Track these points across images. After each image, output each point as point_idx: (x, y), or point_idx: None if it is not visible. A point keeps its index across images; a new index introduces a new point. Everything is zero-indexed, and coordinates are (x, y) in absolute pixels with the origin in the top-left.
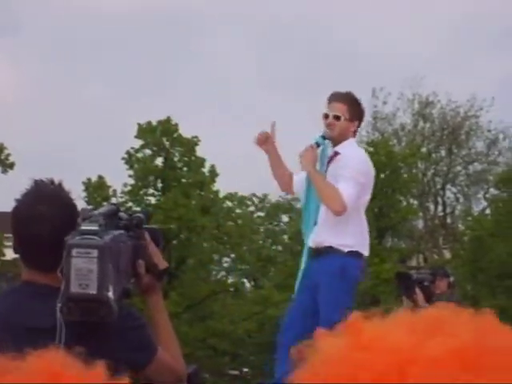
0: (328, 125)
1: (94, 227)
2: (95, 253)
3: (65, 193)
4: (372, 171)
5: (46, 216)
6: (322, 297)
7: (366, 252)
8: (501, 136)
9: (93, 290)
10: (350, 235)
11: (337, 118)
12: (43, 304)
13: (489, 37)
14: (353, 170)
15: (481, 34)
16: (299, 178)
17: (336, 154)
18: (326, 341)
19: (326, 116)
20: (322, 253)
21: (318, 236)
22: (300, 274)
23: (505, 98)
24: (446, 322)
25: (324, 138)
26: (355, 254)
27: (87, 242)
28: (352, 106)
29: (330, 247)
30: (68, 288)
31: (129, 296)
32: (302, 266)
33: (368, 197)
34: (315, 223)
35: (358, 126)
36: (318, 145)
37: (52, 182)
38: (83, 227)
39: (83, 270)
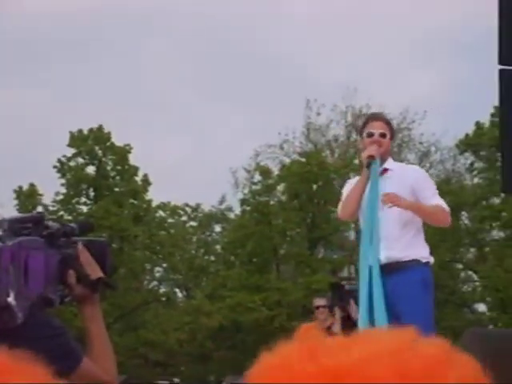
0: (376, 142)
1: None
2: None
3: None
4: None
5: None
6: (408, 309)
7: (432, 261)
8: (432, 149)
9: None
10: (423, 246)
11: (383, 135)
12: None
13: (423, 51)
14: (431, 183)
15: (415, 48)
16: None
17: (386, 170)
18: (278, 351)
19: (371, 134)
20: (403, 267)
21: (393, 251)
22: (364, 294)
23: (437, 111)
24: (397, 344)
25: (372, 157)
26: (430, 265)
27: None
28: (390, 125)
29: (411, 260)
30: None
31: (51, 305)
32: (365, 286)
33: None
34: (371, 241)
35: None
36: (369, 164)
37: None
38: None
39: None
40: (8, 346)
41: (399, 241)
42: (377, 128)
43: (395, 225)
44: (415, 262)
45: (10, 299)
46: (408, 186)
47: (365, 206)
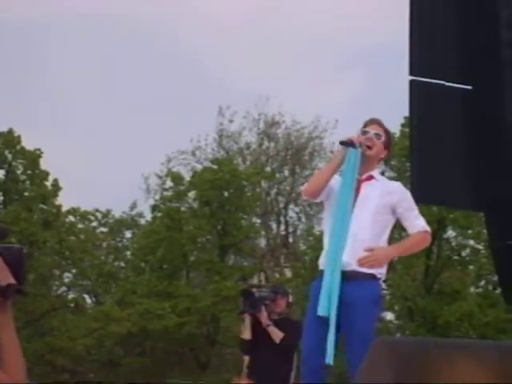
0: (368, 139)
1: None
2: None
3: None
4: None
5: None
6: (359, 322)
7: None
8: None
9: None
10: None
11: (377, 135)
12: None
13: (335, 59)
14: (413, 203)
15: (327, 56)
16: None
17: (371, 177)
18: None
19: (365, 132)
20: (359, 278)
21: (355, 258)
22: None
23: (346, 120)
24: None
25: (351, 143)
26: (382, 281)
27: None
28: (388, 134)
29: (368, 274)
30: None
31: None
32: (325, 286)
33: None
34: (340, 245)
35: (385, 157)
36: (353, 145)
37: None
38: None
39: None
40: None
41: (359, 249)
42: (372, 129)
43: (366, 228)
44: (371, 277)
45: None
46: (389, 202)
47: (337, 195)
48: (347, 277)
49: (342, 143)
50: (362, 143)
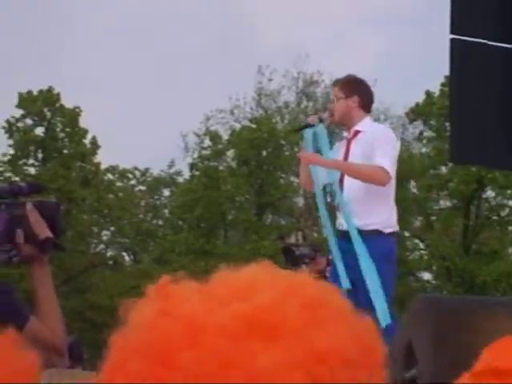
0: (328, 111)
1: None
2: None
3: None
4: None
5: None
6: (370, 281)
7: (397, 228)
8: (382, 117)
9: None
10: (388, 214)
11: (335, 99)
12: None
13: (374, 18)
14: (385, 143)
15: (366, 15)
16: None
17: (357, 132)
18: (139, 306)
19: (326, 109)
20: (364, 236)
21: (357, 219)
22: (340, 265)
23: (386, 79)
24: (253, 286)
25: (321, 120)
26: (395, 234)
27: None
28: (344, 84)
29: (372, 230)
30: None
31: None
32: (338, 255)
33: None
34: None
35: (363, 101)
36: (308, 126)
37: None
38: None
39: None
40: None
41: (361, 206)
42: (333, 95)
43: (360, 187)
44: (376, 233)
45: None
46: (370, 148)
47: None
48: (350, 238)
49: (293, 131)
50: (321, 118)
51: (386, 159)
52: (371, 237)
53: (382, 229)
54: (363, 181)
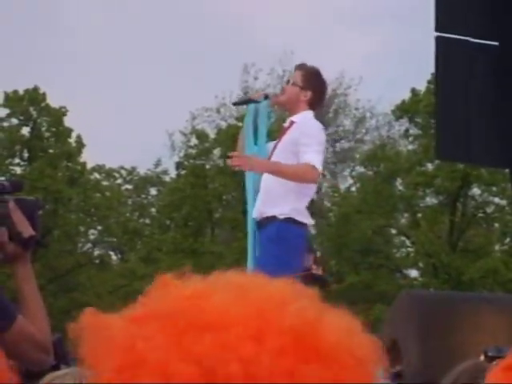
0: (281, 89)
1: None
2: None
3: None
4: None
5: None
6: (263, 265)
7: (306, 220)
8: (368, 115)
9: None
10: (288, 203)
11: (290, 82)
12: None
13: (359, 15)
14: (313, 139)
15: (351, 13)
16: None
17: (292, 123)
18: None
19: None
20: (263, 223)
21: (260, 207)
22: (250, 248)
23: (371, 77)
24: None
25: (266, 97)
26: (292, 221)
27: None
28: (307, 74)
29: (270, 217)
30: None
31: None
32: (250, 238)
33: None
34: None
35: (314, 99)
36: (252, 101)
37: None
38: None
39: None
40: None
41: (267, 194)
42: (291, 77)
43: (267, 177)
44: (271, 219)
45: None
46: (295, 140)
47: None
48: (258, 226)
49: (234, 104)
50: (267, 95)
51: (313, 154)
52: (266, 223)
53: (277, 215)
54: (297, 181)
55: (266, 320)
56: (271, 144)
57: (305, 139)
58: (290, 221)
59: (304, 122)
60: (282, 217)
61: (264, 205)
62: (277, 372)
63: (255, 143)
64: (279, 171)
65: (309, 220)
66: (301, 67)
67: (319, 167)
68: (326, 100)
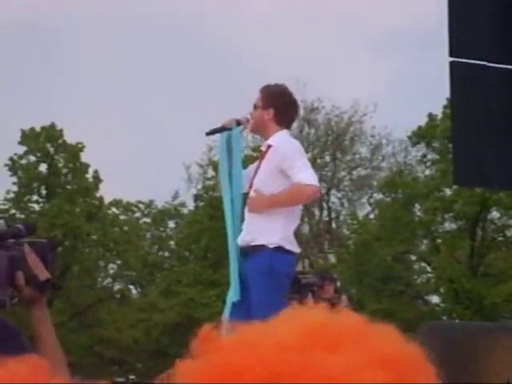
0: (250, 115)
1: None
2: None
3: None
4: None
5: None
6: (253, 295)
7: (294, 248)
8: (384, 141)
9: None
10: (274, 230)
11: (254, 107)
12: None
13: (373, 43)
14: (294, 157)
15: (365, 40)
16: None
17: (269, 147)
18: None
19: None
20: (251, 252)
21: (246, 234)
22: (235, 275)
23: (386, 103)
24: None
25: (238, 124)
26: (283, 250)
27: None
28: (266, 93)
29: (258, 245)
30: None
31: (3, 307)
32: (235, 266)
33: None
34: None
35: (278, 116)
36: (225, 129)
37: None
38: None
39: None
40: None
41: (252, 222)
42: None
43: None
44: (260, 248)
45: None
46: (275, 165)
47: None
48: (244, 254)
49: (207, 134)
50: (239, 122)
51: (308, 173)
52: (254, 252)
53: (266, 244)
54: (299, 204)
55: None
56: (251, 168)
57: (286, 163)
58: (280, 250)
59: (279, 145)
60: (271, 246)
61: (251, 233)
62: None
63: (229, 172)
64: (278, 202)
65: (297, 248)
66: (261, 89)
67: (313, 181)
68: (297, 113)
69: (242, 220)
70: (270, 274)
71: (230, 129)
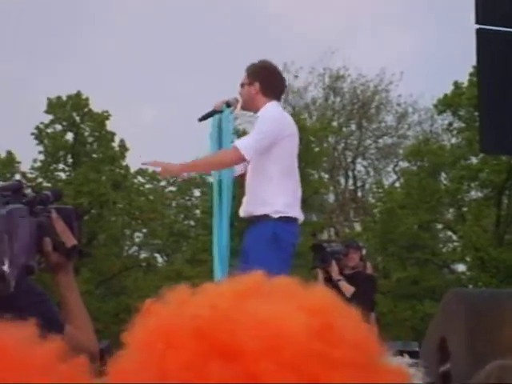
0: (239, 95)
1: None
2: None
3: None
4: (286, 128)
5: None
6: (250, 264)
7: (297, 214)
8: (410, 109)
9: None
10: (278, 199)
11: (241, 85)
12: None
13: (399, 10)
14: (258, 126)
15: (391, 8)
16: None
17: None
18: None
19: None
20: (253, 222)
21: (248, 205)
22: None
23: (412, 72)
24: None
25: (228, 105)
26: (286, 219)
27: None
28: (250, 70)
29: (261, 215)
30: None
31: (32, 273)
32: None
33: (288, 152)
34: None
35: (264, 87)
36: (215, 112)
37: None
38: None
39: None
40: None
41: (253, 193)
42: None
43: (250, 175)
44: (263, 218)
45: (5, 268)
46: None
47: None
48: (245, 224)
49: (199, 120)
50: (228, 103)
51: (245, 139)
52: (258, 222)
53: (269, 213)
54: (218, 168)
55: None
56: None
57: (255, 126)
58: (283, 219)
59: (262, 112)
60: (275, 215)
61: (252, 203)
62: None
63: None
64: (195, 166)
65: (300, 214)
66: (246, 68)
67: (243, 149)
68: (283, 84)
69: (234, 197)
70: (273, 244)
71: (220, 111)
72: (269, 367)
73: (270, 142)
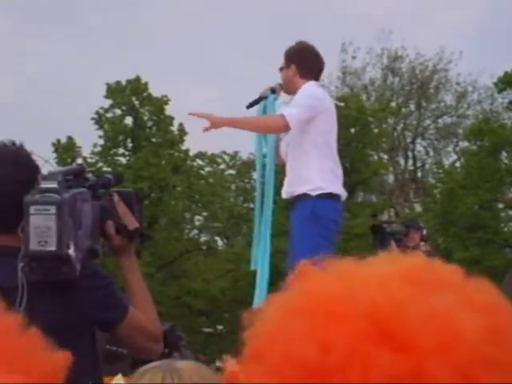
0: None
1: (53, 185)
2: (53, 209)
3: (26, 153)
4: (324, 103)
5: (7, 177)
6: (296, 244)
7: (337, 189)
8: (469, 89)
9: (52, 247)
10: (315, 175)
11: (280, 69)
12: (6, 264)
13: None
14: (298, 100)
15: None
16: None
17: None
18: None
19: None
20: (295, 202)
21: (288, 186)
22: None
23: (472, 51)
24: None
25: (273, 91)
26: (326, 196)
27: (45, 199)
28: (286, 53)
29: (301, 194)
30: (27, 246)
31: (96, 256)
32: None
33: (325, 129)
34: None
35: (300, 68)
36: (262, 98)
37: (13, 143)
38: (42, 185)
39: (42, 228)
40: (60, 297)
41: (292, 172)
42: None
43: (290, 157)
44: (303, 196)
45: (71, 251)
46: None
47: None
48: (290, 206)
49: (248, 107)
50: (273, 89)
51: (290, 109)
52: (298, 201)
53: (307, 191)
54: (264, 131)
55: None
56: None
57: (294, 101)
58: (322, 196)
59: (300, 91)
60: (313, 193)
61: (291, 184)
62: None
63: (265, 139)
64: (243, 122)
65: (341, 189)
66: (284, 52)
67: (289, 118)
68: (321, 63)
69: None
70: (313, 221)
71: (266, 97)
72: (440, 366)
73: (309, 116)
